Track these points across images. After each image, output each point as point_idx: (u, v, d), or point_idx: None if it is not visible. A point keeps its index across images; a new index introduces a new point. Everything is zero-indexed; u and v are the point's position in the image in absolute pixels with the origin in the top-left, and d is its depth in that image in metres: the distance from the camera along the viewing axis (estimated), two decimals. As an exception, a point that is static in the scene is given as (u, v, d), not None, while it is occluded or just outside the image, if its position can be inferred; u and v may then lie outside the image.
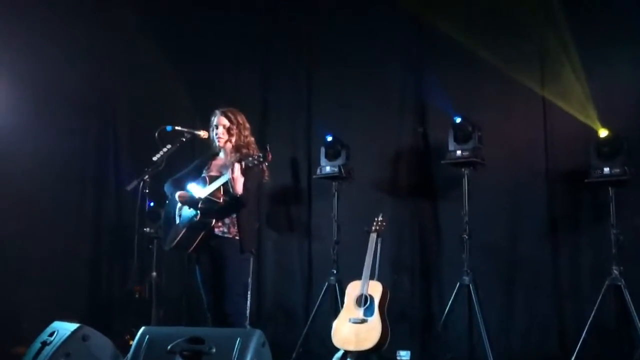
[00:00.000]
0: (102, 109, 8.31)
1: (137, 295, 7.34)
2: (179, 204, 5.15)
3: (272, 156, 4.77)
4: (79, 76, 7.79)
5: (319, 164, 7.24)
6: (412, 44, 7.26)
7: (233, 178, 4.81)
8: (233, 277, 4.99)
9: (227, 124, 5.15)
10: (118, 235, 8.10)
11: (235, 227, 5.03)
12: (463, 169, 6.49)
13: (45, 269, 7.54)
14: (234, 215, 5.03)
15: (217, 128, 5.18)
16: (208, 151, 5.36)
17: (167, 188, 5.29)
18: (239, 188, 4.83)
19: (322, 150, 7.21)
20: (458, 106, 6.65)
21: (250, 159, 4.81)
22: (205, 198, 4.95)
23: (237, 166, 4.81)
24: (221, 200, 4.94)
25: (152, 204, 7.25)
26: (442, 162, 6.56)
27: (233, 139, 5.15)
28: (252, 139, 5.24)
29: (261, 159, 4.77)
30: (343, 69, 7.53)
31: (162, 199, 5.56)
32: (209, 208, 4.95)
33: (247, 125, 5.23)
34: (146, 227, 7.49)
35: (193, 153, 7.35)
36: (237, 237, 5.02)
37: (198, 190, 5.02)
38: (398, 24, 7.31)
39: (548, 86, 6.54)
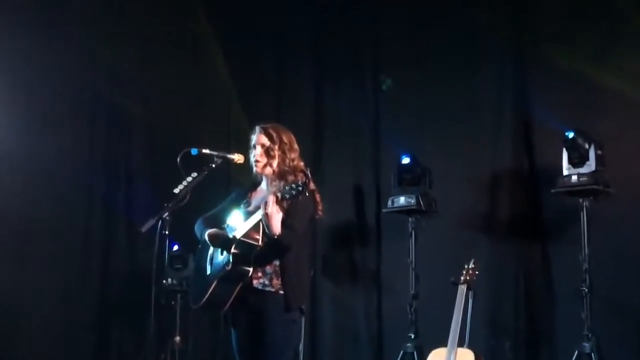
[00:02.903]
0: (111, 124, 8.53)
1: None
2: (211, 248, 5.17)
3: (315, 182, 4.79)
4: (84, 82, 8.08)
5: (390, 193, 7.32)
6: (509, 43, 7.39)
7: (267, 214, 4.82)
8: (278, 344, 4.98)
9: (267, 143, 5.15)
10: (131, 288, 8.19)
11: (279, 278, 5.03)
12: (581, 200, 6.46)
13: (41, 330, 7.70)
14: (277, 263, 5.03)
15: (254, 149, 5.20)
16: (248, 181, 5.41)
17: (197, 228, 5.32)
18: (276, 227, 4.84)
19: (395, 175, 7.29)
20: (570, 118, 6.72)
21: (287, 187, 4.79)
22: (239, 240, 4.96)
23: (271, 198, 4.82)
24: (259, 243, 4.94)
25: (176, 247, 7.37)
26: (553, 190, 6.55)
27: (274, 163, 5.15)
28: (302, 163, 5.19)
29: (299, 188, 4.74)
30: (420, 74, 7.69)
31: (189, 242, 5.63)
32: (243, 253, 4.96)
33: (295, 146, 5.21)
34: (167, 278, 7.57)
35: (228, 183, 7.40)
36: (281, 292, 5.01)
37: (237, 225, 5.03)
38: (492, 22, 7.45)
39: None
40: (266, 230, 4.90)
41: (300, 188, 4.74)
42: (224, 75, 8.56)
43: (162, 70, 8.43)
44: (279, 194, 4.79)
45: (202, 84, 8.53)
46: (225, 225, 5.09)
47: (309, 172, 4.77)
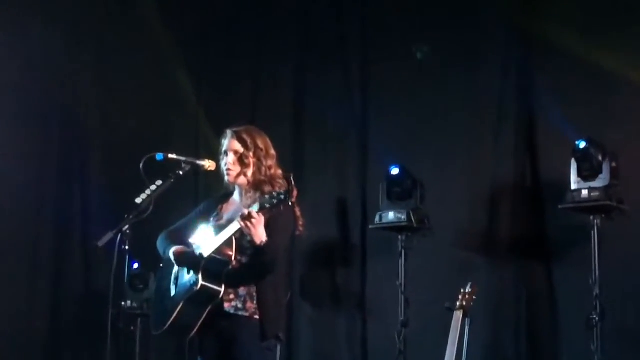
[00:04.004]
0: (66, 127, 8.50)
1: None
2: (175, 267, 5.12)
3: (298, 192, 4.72)
4: (38, 83, 8.08)
5: (378, 208, 7.29)
6: (514, 43, 7.41)
7: (247, 225, 4.76)
8: (251, 375, 4.92)
9: (240, 149, 5.12)
10: (85, 311, 8.10)
11: (254, 302, 4.99)
12: (591, 217, 6.46)
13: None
14: (253, 285, 4.99)
15: (226, 155, 5.17)
16: (219, 191, 5.37)
17: (159, 244, 5.27)
18: (261, 234, 4.79)
19: (384, 188, 7.26)
20: (581, 125, 6.72)
21: (267, 197, 4.75)
22: (210, 257, 4.91)
23: (255, 207, 4.78)
24: (233, 261, 4.91)
25: (136, 265, 7.32)
26: (561, 206, 6.54)
27: (249, 172, 5.12)
28: (279, 171, 5.17)
29: (281, 197, 4.70)
30: (412, 75, 7.67)
31: (152, 260, 5.56)
32: (214, 272, 4.90)
33: (272, 151, 5.18)
34: (126, 300, 7.50)
35: (197, 193, 7.37)
36: (256, 316, 4.98)
37: (202, 245, 4.99)
38: (494, 16, 7.48)
39: None
40: (245, 244, 4.89)
41: (282, 197, 4.70)
42: (191, 74, 8.60)
43: (121, 68, 8.48)
44: (257, 204, 4.76)
45: (167, 83, 8.52)
46: (191, 243, 5.06)
47: (292, 180, 4.71)
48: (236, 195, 5.24)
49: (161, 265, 5.30)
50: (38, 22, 8.20)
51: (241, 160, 5.11)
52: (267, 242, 4.82)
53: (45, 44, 8.21)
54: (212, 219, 5.19)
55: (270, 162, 5.15)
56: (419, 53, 7.54)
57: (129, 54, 8.47)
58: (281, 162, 5.24)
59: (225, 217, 5.17)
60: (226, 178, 5.19)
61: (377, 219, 7.27)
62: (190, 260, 4.99)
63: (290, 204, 4.78)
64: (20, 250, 8.13)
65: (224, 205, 5.27)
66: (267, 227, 4.84)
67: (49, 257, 8.27)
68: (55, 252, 8.29)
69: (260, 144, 5.15)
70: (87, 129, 8.58)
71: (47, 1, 8.28)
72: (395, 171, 7.22)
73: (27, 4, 8.07)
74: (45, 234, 8.28)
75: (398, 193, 7.23)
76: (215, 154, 5.27)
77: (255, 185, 5.11)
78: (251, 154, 5.10)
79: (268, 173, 5.12)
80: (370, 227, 7.41)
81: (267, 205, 4.73)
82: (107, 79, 8.46)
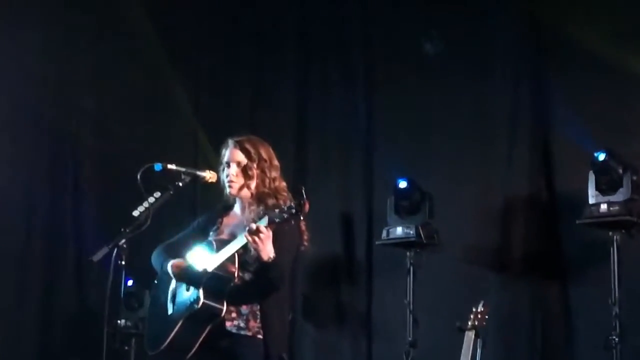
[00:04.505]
0: (57, 136, 8.48)
1: None
2: (173, 283, 5.11)
3: (309, 206, 4.68)
4: (28, 88, 8.08)
5: (386, 223, 7.29)
6: (527, 48, 7.38)
7: (255, 240, 4.74)
8: (254, 398, 4.93)
9: (244, 160, 5.11)
10: (78, 331, 8.08)
11: (257, 320, 4.98)
12: (610, 233, 6.42)
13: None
14: (256, 303, 4.99)
15: (228, 167, 5.15)
16: (218, 203, 5.34)
17: (155, 259, 5.27)
18: (268, 252, 4.77)
19: (391, 202, 7.26)
20: (599, 135, 6.69)
21: (277, 211, 4.73)
22: (212, 274, 4.90)
23: (264, 221, 4.76)
24: (235, 277, 4.89)
25: (130, 282, 7.22)
26: (578, 221, 6.51)
27: (252, 184, 5.11)
28: (284, 183, 5.19)
29: (292, 211, 4.68)
30: (420, 82, 7.69)
31: (146, 277, 5.52)
32: (216, 289, 4.89)
33: (276, 162, 5.19)
34: (121, 319, 7.22)
35: (194, 206, 7.31)
36: (259, 336, 4.97)
37: (202, 261, 4.97)
38: (505, 17, 7.47)
39: None
40: (248, 260, 4.90)
41: (293, 211, 4.67)
42: (188, 83, 8.62)
43: (116, 77, 8.50)
44: (266, 217, 4.74)
45: (163, 93, 8.54)
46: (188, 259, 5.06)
47: (304, 192, 4.68)
48: (237, 209, 5.22)
49: (155, 281, 5.29)
50: (31, 30, 8.21)
51: (245, 171, 5.11)
52: (275, 258, 4.80)
53: (37, 51, 8.23)
54: (211, 233, 5.18)
55: (274, 174, 5.15)
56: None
57: (123, 63, 8.48)
58: (282, 174, 5.24)
59: (226, 231, 5.16)
60: (227, 190, 5.17)
61: (384, 234, 7.26)
62: (191, 275, 4.97)
63: (301, 218, 4.78)
64: (8, 265, 8.10)
65: (224, 219, 5.25)
66: (274, 242, 4.82)
67: (39, 272, 8.25)
68: (45, 267, 8.27)
69: (264, 155, 5.15)
70: (80, 139, 8.58)
71: (40, 9, 8.31)
72: (403, 184, 7.20)
73: (19, 12, 8.09)
74: (35, 248, 8.26)
75: (406, 207, 7.22)
76: (213, 166, 5.28)
77: (259, 198, 5.09)
78: (255, 165, 5.10)
79: (272, 185, 5.11)
80: (377, 242, 7.39)
81: (277, 220, 4.72)
82: (101, 88, 8.47)
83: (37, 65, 8.22)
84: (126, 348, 7.57)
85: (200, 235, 5.22)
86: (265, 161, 5.13)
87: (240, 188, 5.12)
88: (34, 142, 8.32)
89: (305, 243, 5.12)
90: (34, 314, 8.20)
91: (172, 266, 5.06)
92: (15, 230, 8.15)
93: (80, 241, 8.22)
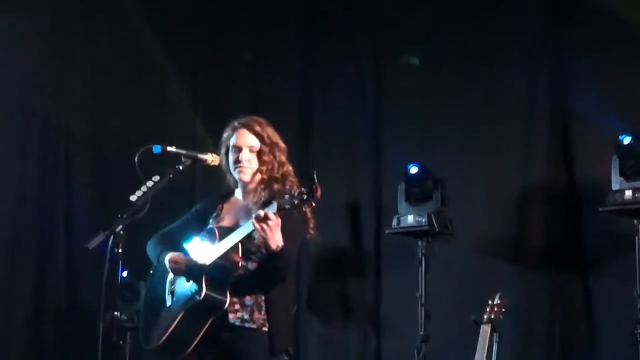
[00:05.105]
0: (48, 125, 8.45)
1: None
2: (170, 275, 5.09)
3: (321, 193, 4.64)
4: (17, 71, 8.03)
5: (393, 211, 7.29)
6: (545, 26, 7.36)
7: (263, 228, 4.70)
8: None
9: (257, 144, 5.11)
10: (71, 324, 8.06)
11: (262, 312, 4.96)
12: (635, 221, 6.45)
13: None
14: (261, 294, 4.95)
15: (238, 151, 5.13)
16: (219, 189, 5.37)
17: (151, 249, 5.27)
18: (277, 240, 4.73)
19: (401, 189, 7.23)
20: (624, 116, 6.70)
21: (287, 197, 4.69)
22: (214, 264, 4.87)
23: (272, 207, 4.71)
24: (239, 267, 4.86)
25: (125, 273, 7.12)
26: (601, 209, 6.51)
27: (264, 169, 5.11)
28: (291, 168, 5.20)
29: (304, 197, 4.64)
30: (431, 65, 7.72)
31: (143, 267, 5.49)
32: (219, 280, 4.87)
33: (283, 145, 5.20)
34: (116, 312, 7.20)
35: (193, 190, 7.30)
36: (264, 328, 4.94)
37: (202, 251, 4.94)
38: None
39: None
40: (253, 249, 4.89)
41: (304, 197, 4.64)
42: (186, 68, 8.65)
43: (108, 61, 8.52)
44: (275, 203, 4.71)
45: (159, 77, 8.56)
46: (184, 251, 5.06)
47: (316, 177, 4.65)
48: (238, 194, 5.22)
49: (151, 271, 5.28)
50: (22, 18, 8.18)
51: (259, 156, 5.10)
52: (283, 246, 4.77)
53: (27, 39, 8.24)
54: (211, 220, 5.18)
55: (283, 158, 5.17)
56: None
57: (116, 47, 8.50)
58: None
59: (228, 217, 5.16)
60: (237, 176, 5.15)
61: (394, 223, 7.26)
62: (190, 268, 4.95)
63: (313, 204, 4.74)
64: None
65: (224, 205, 5.25)
66: (281, 229, 4.80)
67: (30, 263, 8.22)
68: (36, 257, 8.25)
69: (273, 137, 5.17)
70: (71, 128, 8.54)
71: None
72: (414, 170, 7.19)
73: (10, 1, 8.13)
74: (25, 237, 8.22)
75: (417, 194, 7.22)
76: (211, 152, 5.27)
77: (267, 182, 5.11)
78: (268, 149, 5.10)
79: (281, 170, 5.13)
80: (387, 232, 7.40)
81: (287, 206, 4.68)
82: (93, 75, 8.48)
83: (27, 52, 8.22)
84: (121, 342, 7.46)
85: (199, 222, 5.21)
86: (275, 144, 5.15)
87: (254, 173, 5.11)
88: (23, 130, 8.31)
89: (312, 231, 5.09)
90: (25, 306, 8.18)
91: (169, 260, 5.05)
92: (4, 218, 8.13)
93: (72, 228, 8.20)
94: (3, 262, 8.12)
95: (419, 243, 7.18)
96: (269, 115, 5.39)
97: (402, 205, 7.24)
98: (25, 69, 8.18)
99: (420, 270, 7.14)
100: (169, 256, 5.05)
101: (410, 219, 7.14)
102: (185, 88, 8.61)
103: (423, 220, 7.07)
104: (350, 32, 8.18)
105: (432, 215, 7.07)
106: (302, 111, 8.25)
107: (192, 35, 8.64)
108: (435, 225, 7.06)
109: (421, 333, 7.02)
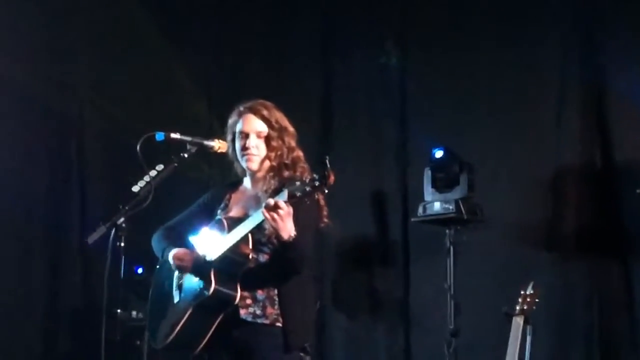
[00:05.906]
0: (59, 119, 8.47)
1: None
2: (177, 271, 5.11)
3: (334, 179, 4.51)
4: (28, 67, 8.04)
5: (422, 198, 7.25)
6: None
7: (274, 217, 4.62)
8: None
9: (265, 130, 5.05)
10: (85, 322, 7.97)
11: (275, 307, 4.92)
12: None
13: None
14: (273, 288, 4.91)
15: (245, 138, 5.08)
16: (227, 178, 5.42)
17: (156, 245, 5.27)
18: (289, 230, 4.66)
19: (428, 175, 7.21)
20: None
21: (298, 184, 4.60)
22: (223, 257, 4.84)
23: (283, 195, 4.63)
24: (250, 259, 4.83)
25: (140, 270, 7.28)
26: (639, 191, 6.43)
27: (273, 155, 5.07)
28: (301, 153, 5.15)
29: (316, 183, 4.52)
30: (457, 42, 7.64)
31: (156, 263, 5.49)
32: (229, 274, 4.84)
33: (292, 129, 5.15)
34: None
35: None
36: (278, 324, 4.90)
37: (210, 243, 4.92)
38: None
39: None
40: (259, 238, 4.83)
41: (316, 183, 4.52)
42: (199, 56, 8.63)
43: (118, 51, 8.55)
44: (286, 191, 4.63)
45: (172, 65, 8.53)
46: (190, 245, 5.09)
47: (328, 163, 4.53)
48: (247, 183, 5.20)
49: (158, 266, 5.28)
50: (29, 8, 8.24)
51: (267, 142, 5.06)
52: (296, 237, 4.70)
53: (38, 28, 8.27)
54: (219, 211, 5.18)
55: (292, 143, 5.11)
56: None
57: (124, 38, 8.52)
58: (307, 149, 5.18)
59: (236, 207, 5.14)
60: (245, 164, 5.11)
61: (420, 210, 7.22)
62: (196, 266, 4.94)
63: (326, 191, 4.63)
64: (9, 250, 8.11)
65: (232, 195, 5.24)
66: (293, 218, 4.74)
67: (42, 261, 8.26)
68: (48, 254, 8.28)
69: (282, 122, 5.12)
70: (83, 122, 8.57)
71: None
72: (439, 154, 7.17)
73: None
74: (35, 233, 8.28)
75: (443, 180, 7.19)
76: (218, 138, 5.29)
77: (277, 169, 5.07)
78: (277, 135, 5.06)
79: (291, 156, 5.08)
80: (413, 220, 7.35)
81: (298, 194, 4.58)
82: (104, 68, 8.49)
83: (36, 46, 8.25)
84: (138, 342, 7.50)
85: (207, 213, 5.20)
86: (284, 129, 5.10)
87: (262, 161, 5.07)
88: (34, 125, 8.31)
89: (325, 219, 5.05)
90: (38, 310, 8.22)
91: (174, 257, 5.05)
92: (13, 216, 8.14)
93: (86, 221, 8.19)
94: (17, 259, 8.15)
95: (447, 231, 7.15)
96: (289, 102, 5.36)
97: (429, 191, 7.21)
98: (35, 63, 8.21)
99: (448, 260, 7.11)
100: (173, 252, 5.06)
101: (436, 206, 7.12)
102: (199, 77, 8.59)
103: (450, 207, 7.04)
104: (375, 12, 8.11)
105: (460, 202, 7.03)
106: (324, 96, 8.22)
107: (204, 23, 8.65)
108: (464, 212, 7.01)
109: (451, 327, 6.98)
